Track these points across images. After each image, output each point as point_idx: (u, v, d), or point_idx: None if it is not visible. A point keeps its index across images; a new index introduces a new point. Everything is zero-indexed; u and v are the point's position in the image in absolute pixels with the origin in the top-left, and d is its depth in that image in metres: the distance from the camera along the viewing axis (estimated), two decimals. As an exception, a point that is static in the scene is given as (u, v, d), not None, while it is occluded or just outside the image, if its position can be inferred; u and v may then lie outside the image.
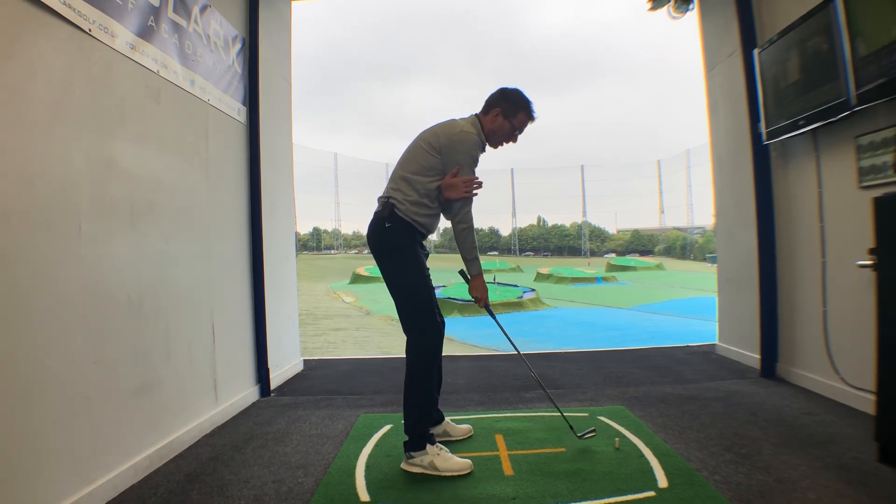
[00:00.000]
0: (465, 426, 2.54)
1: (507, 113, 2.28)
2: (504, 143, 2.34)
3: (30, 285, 1.65)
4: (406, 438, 2.19)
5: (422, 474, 2.11)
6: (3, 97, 1.58)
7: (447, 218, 2.32)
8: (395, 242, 2.21)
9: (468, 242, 2.24)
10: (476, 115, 2.34)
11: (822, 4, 2.63)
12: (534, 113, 2.32)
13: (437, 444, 2.19)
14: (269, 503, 1.91)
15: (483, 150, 2.31)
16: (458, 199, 2.19)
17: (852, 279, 2.64)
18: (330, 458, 2.31)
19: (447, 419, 2.50)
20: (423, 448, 2.14)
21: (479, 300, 2.29)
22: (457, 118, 2.34)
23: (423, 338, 2.18)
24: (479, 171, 2.29)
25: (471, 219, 2.25)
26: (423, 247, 2.33)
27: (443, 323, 2.31)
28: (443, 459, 2.11)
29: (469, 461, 2.15)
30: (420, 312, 2.19)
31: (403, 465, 2.17)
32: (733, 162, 3.89)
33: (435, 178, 2.21)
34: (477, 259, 2.28)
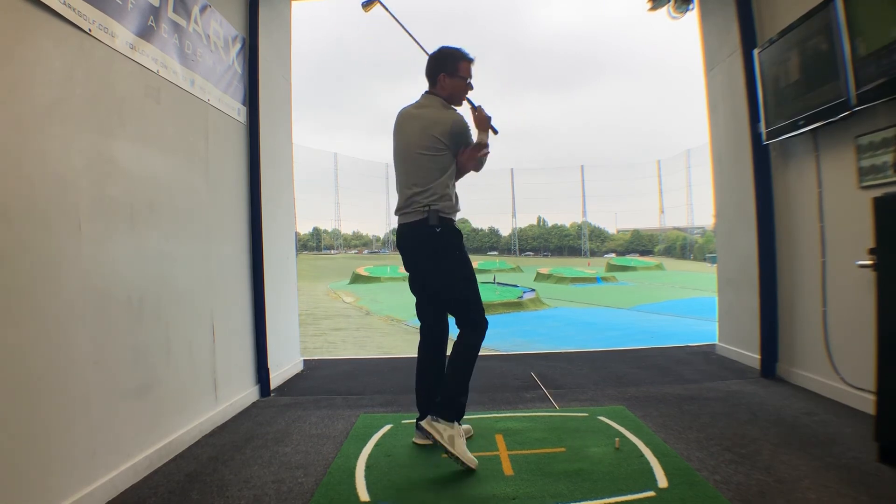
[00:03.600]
0: (465, 426, 2.53)
1: (451, 71, 2.37)
2: (466, 97, 2.43)
3: (29, 285, 1.65)
4: (440, 402, 2.24)
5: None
6: (3, 97, 1.57)
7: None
8: (451, 242, 2.32)
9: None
10: (428, 92, 2.42)
11: (822, 4, 2.63)
12: (469, 53, 2.40)
13: (463, 429, 2.27)
14: (269, 503, 1.91)
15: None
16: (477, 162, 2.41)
17: (852, 279, 2.64)
18: (330, 458, 2.31)
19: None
20: (454, 421, 2.19)
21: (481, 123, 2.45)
22: (417, 104, 2.41)
23: (483, 324, 2.32)
24: (479, 172, 2.52)
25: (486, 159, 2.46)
26: None
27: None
28: (461, 443, 2.15)
29: (475, 460, 2.16)
30: (480, 301, 2.36)
31: (424, 423, 2.21)
32: (733, 162, 3.89)
33: (452, 164, 2.35)
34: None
